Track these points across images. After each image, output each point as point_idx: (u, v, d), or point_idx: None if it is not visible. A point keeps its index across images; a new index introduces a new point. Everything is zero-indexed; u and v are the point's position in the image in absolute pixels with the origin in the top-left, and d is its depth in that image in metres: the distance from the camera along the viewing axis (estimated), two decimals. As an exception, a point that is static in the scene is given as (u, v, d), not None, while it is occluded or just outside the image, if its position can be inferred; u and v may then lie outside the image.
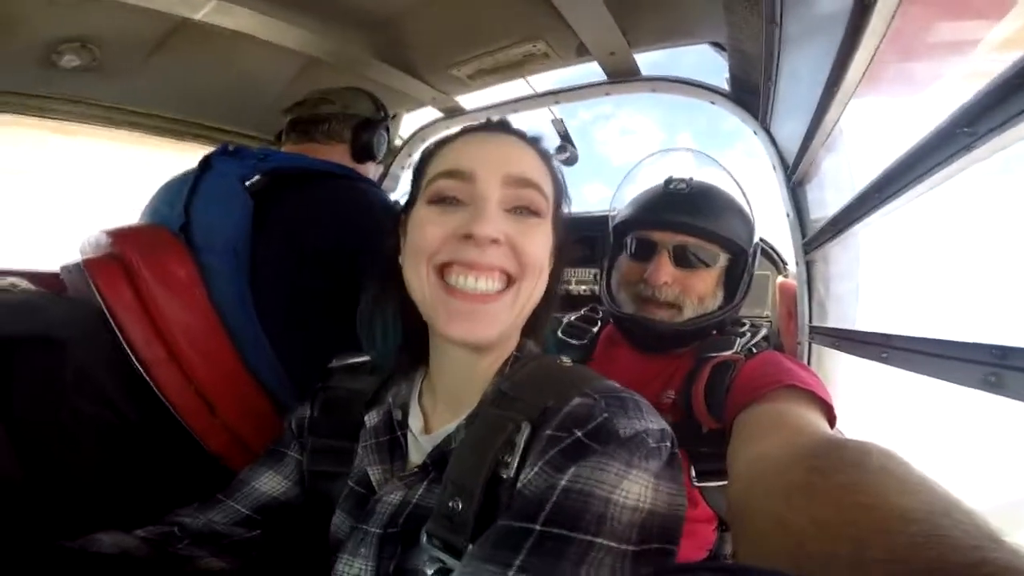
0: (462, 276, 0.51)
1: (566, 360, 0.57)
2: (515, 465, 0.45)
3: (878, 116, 0.92)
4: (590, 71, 1.37)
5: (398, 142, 1.84)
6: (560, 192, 0.61)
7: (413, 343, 0.62)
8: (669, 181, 0.94)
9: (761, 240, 0.99)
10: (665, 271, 0.88)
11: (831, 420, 0.65)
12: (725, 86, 1.26)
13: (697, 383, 0.81)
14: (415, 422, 0.60)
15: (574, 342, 1.04)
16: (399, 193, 1.87)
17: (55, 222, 1.70)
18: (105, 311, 0.81)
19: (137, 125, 1.51)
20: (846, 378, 1.12)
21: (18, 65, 1.21)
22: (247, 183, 0.92)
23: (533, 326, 0.62)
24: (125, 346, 0.82)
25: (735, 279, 0.93)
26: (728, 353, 0.85)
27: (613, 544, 0.38)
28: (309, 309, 0.91)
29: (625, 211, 0.99)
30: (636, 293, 0.92)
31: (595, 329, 1.07)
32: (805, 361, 1.14)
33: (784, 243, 1.41)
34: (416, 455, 0.57)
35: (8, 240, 1.62)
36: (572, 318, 1.12)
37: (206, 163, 0.99)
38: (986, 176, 0.56)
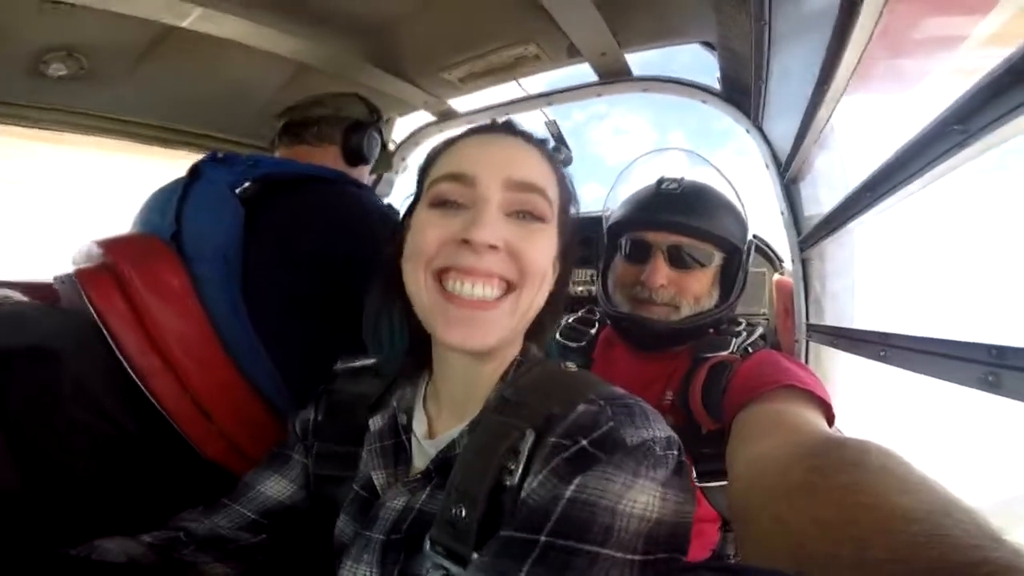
0: (459, 282, 0.50)
1: (571, 365, 0.55)
2: (519, 473, 0.44)
3: (869, 113, 0.92)
4: (582, 72, 1.37)
5: (391, 147, 1.83)
6: (567, 195, 0.59)
7: (417, 347, 0.61)
8: (661, 181, 0.95)
9: (755, 237, 0.99)
10: (661, 274, 0.89)
11: (829, 419, 0.65)
12: (717, 85, 1.26)
13: (694, 384, 0.81)
14: (419, 426, 0.59)
15: (573, 345, 1.04)
16: (393, 198, 1.86)
17: (47, 232, 1.68)
18: (99, 322, 0.80)
19: (126, 133, 1.49)
20: (844, 376, 1.11)
21: (5, 75, 1.20)
22: (237, 190, 0.91)
23: (537, 331, 0.60)
24: (120, 356, 0.81)
25: (730, 277, 0.94)
26: (724, 353, 0.86)
27: (619, 555, 0.38)
28: (303, 314, 0.91)
29: (618, 212, 1.00)
30: (633, 295, 0.92)
31: (593, 331, 1.07)
32: (803, 359, 1.15)
33: (780, 240, 1.42)
34: (420, 460, 0.57)
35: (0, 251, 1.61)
36: (570, 320, 1.12)
37: (196, 171, 0.98)
38: (979, 172, 0.56)
